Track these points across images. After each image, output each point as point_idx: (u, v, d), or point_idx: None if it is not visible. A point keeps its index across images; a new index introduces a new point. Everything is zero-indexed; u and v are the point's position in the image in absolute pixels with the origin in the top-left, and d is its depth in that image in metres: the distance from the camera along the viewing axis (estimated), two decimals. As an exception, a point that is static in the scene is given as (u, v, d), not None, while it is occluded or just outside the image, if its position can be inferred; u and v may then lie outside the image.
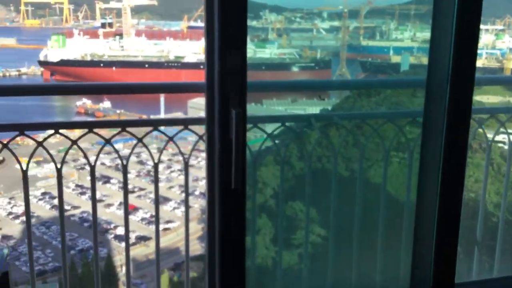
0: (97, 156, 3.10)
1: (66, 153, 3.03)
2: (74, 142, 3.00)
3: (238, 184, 2.55)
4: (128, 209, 3.28)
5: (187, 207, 3.32)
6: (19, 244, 19.65)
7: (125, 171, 3.10)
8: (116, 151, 3.15)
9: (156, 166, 3.13)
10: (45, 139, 2.95)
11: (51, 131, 3.00)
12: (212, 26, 2.58)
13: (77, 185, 23.19)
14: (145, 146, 3.17)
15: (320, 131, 3.43)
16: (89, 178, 3.19)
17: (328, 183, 3.45)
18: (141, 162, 21.89)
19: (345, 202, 3.53)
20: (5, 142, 3.00)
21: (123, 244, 15.34)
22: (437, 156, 2.91)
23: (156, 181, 3.23)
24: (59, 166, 3.03)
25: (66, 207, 20.40)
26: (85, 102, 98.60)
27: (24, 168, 2.99)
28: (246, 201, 2.66)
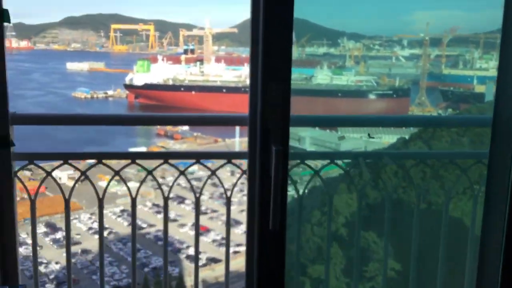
0: (171, 186, 3.20)
1: (141, 182, 3.14)
2: (149, 172, 3.19)
3: (276, 225, 2.36)
4: (199, 231, 3.33)
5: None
6: (97, 259, 20.49)
7: (197, 201, 3.15)
8: (188, 180, 3.23)
9: (228, 197, 3.11)
10: (121, 168, 3.05)
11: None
12: (256, 55, 2.44)
13: (153, 204, 23.93)
14: (218, 178, 3.20)
15: (397, 165, 3.29)
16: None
17: (404, 214, 3.33)
18: (214, 184, 22.23)
19: (423, 235, 3.38)
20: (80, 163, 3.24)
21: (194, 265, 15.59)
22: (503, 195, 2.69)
23: (228, 204, 3.25)
24: (137, 185, 3.15)
25: (142, 225, 21.09)
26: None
27: (104, 187, 3.18)
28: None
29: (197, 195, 3.12)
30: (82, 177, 3.20)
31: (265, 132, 2.37)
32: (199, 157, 3.08)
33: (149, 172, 3.15)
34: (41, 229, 22.43)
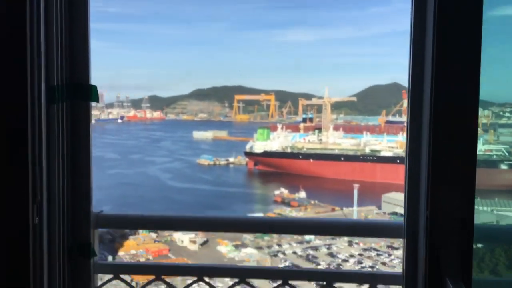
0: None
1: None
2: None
3: None
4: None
5: None
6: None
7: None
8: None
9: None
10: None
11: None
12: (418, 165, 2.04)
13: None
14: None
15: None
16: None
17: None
18: (331, 254, 21.64)
19: None
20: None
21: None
22: None
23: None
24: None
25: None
26: (282, 191, 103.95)
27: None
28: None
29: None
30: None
31: (433, 257, 1.79)
32: (330, 279, 2.57)
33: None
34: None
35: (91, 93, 2.86)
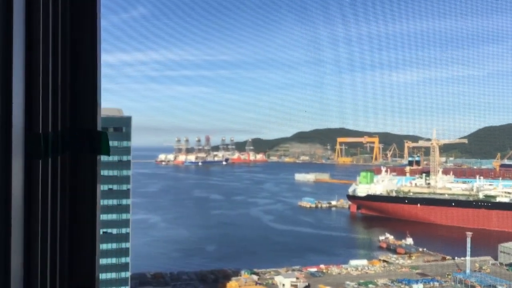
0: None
1: None
2: None
3: None
4: None
5: None
6: None
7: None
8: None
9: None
10: None
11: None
12: None
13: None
14: None
15: None
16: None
17: None
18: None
19: None
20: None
21: None
22: None
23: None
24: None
25: None
26: (388, 237, 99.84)
27: None
28: None
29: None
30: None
31: None
32: None
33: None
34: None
35: (100, 143, 2.10)
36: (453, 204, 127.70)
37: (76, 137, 2.05)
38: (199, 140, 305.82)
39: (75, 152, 2.06)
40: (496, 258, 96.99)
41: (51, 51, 1.97)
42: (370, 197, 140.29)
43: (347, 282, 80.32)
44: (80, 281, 2.16)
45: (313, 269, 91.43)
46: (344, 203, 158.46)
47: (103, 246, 67.25)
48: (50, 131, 1.93)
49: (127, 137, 76.73)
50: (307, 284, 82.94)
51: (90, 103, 2.09)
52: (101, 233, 2.35)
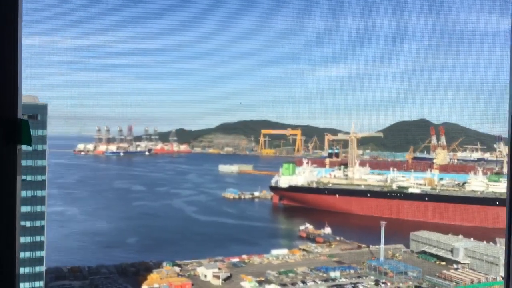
0: None
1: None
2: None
3: None
4: None
5: None
6: None
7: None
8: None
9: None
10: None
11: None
12: None
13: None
14: None
15: None
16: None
17: None
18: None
19: None
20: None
21: None
22: None
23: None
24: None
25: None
26: (307, 226, 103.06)
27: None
28: None
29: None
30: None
31: None
32: None
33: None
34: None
35: (20, 132, 1.89)
36: (369, 194, 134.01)
37: None
38: (121, 130, 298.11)
39: None
40: (407, 246, 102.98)
41: None
42: (292, 188, 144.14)
43: (268, 271, 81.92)
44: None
45: (236, 260, 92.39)
46: (267, 194, 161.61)
47: (16, 240, 63.76)
48: None
49: (43, 125, 73.27)
50: (229, 274, 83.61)
51: (9, 89, 1.86)
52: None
